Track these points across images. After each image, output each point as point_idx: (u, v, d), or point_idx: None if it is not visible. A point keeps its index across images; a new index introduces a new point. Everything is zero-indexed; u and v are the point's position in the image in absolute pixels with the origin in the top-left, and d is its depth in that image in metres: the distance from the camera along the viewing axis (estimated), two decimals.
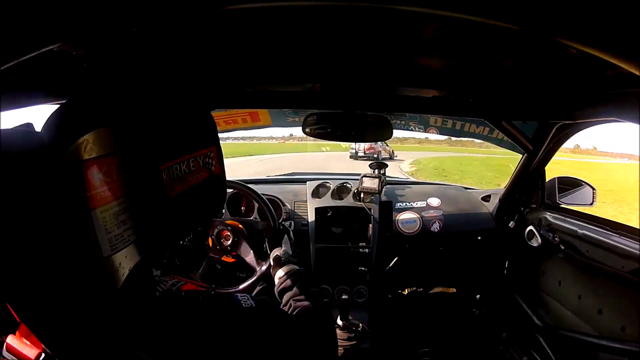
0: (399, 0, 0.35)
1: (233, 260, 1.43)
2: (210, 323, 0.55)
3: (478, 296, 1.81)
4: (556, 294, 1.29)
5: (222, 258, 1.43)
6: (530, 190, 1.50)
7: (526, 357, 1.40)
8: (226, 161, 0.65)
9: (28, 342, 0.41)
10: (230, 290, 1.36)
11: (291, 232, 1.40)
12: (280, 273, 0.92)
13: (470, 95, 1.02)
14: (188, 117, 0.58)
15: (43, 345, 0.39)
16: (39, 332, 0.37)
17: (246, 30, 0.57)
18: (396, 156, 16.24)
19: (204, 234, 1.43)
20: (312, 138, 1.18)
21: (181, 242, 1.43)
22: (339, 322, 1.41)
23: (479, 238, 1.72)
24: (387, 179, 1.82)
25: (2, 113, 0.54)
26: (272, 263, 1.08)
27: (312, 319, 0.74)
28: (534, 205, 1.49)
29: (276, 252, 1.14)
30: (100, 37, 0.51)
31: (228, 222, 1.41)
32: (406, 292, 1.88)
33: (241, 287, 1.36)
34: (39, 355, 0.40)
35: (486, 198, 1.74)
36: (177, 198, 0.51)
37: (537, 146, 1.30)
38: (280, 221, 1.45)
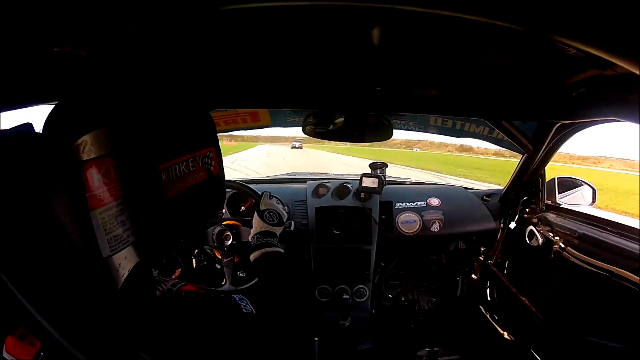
0: (399, 0, 0.35)
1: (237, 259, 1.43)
2: (210, 327, 0.55)
3: (479, 295, 1.80)
4: (557, 293, 1.29)
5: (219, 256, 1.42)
6: (531, 190, 1.50)
7: (527, 356, 1.40)
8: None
9: (27, 342, 0.41)
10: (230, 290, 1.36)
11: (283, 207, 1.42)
12: (252, 256, 0.96)
13: (470, 95, 1.02)
14: (187, 117, 0.58)
15: (42, 346, 0.39)
16: (38, 333, 0.37)
17: (244, 30, 0.58)
18: None
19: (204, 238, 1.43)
20: None
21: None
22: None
23: (474, 238, 1.72)
24: (387, 178, 1.82)
25: (2, 114, 0.54)
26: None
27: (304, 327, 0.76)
28: (534, 205, 1.49)
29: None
30: (101, 38, 0.51)
31: (229, 222, 1.41)
32: (406, 292, 1.88)
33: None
34: (37, 355, 0.40)
35: (486, 198, 1.74)
36: (176, 198, 0.50)
37: (537, 146, 1.30)
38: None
